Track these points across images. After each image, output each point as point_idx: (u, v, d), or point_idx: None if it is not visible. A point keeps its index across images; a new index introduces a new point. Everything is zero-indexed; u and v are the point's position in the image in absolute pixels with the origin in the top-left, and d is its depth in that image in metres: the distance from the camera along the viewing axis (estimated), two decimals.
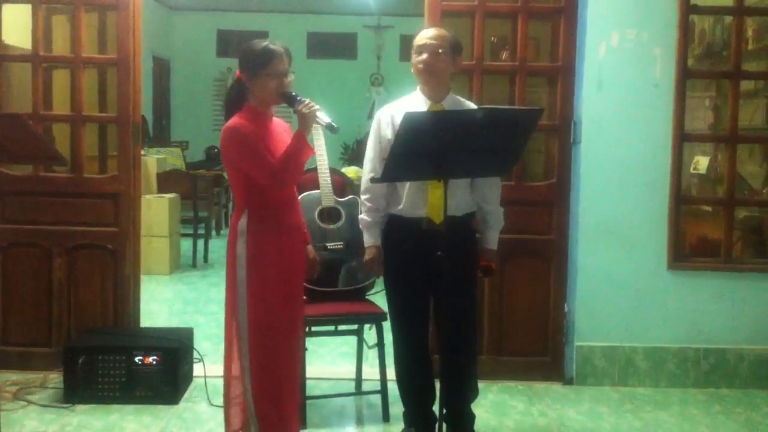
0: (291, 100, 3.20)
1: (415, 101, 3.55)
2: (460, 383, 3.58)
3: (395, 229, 3.59)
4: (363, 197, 3.63)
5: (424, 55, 3.46)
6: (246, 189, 3.21)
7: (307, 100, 3.18)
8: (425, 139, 3.03)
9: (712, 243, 4.80)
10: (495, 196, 3.60)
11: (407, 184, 3.50)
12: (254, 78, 3.19)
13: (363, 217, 3.64)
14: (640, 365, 4.58)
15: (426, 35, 3.49)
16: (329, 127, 3.21)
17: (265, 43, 3.21)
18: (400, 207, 3.53)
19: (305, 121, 3.16)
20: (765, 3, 4.88)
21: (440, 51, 3.45)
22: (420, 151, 3.06)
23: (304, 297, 3.64)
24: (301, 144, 3.15)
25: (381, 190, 3.57)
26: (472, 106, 3.61)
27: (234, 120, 3.18)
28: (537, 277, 4.65)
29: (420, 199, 3.48)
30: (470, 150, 3.12)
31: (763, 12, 4.82)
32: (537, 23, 4.73)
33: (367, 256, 3.64)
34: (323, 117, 3.20)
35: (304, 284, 3.55)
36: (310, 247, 3.54)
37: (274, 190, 3.17)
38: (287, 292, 3.27)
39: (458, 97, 3.62)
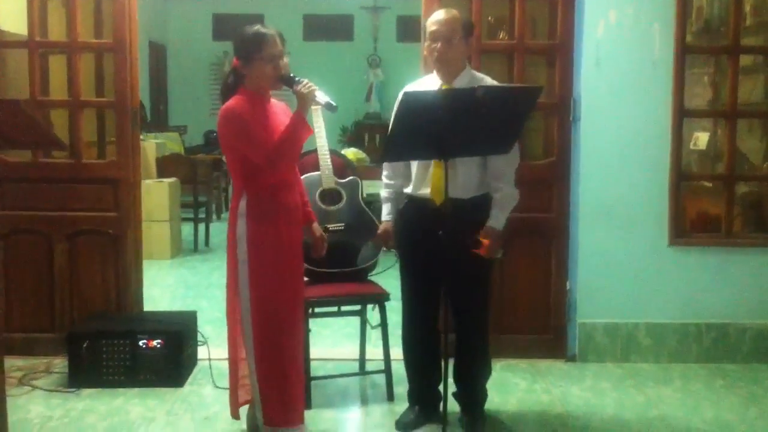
0: (289, 82, 3.21)
1: (429, 82, 3.57)
2: (471, 362, 3.64)
3: (407, 207, 3.65)
4: (384, 174, 3.73)
5: (438, 44, 3.43)
6: (243, 171, 3.21)
7: (305, 81, 3.19)
8: (424, 118, 3.03)
9: (712, 219, 4.80)
10: (505, 174, 3.52)
11: (416, 163, 3.52)
12: (249, 63, 3.20)
13: (381, 191, 3.76)
14: (641, 341, 4.60)
15: (438, 21, 3.45)
16: (328, 106, 3.23)
17: (256, 27, 3.22)
18: (410, 186, 3.59)
19: (304, 101, 3.17)
20: None
21: (454, 39, 3.43)
22: (419, 131, 3.06)
23: (306, 278, 3.67)
24: (299, 124, 3.16)
25: (397, 167, 3.64)
26: (490, 81, 3.58)
27: (230, 102, 3.19)
28: (538, 255, 4.67)
29: (424, 179, 3.51)
30: (470, 129, 3.12)
31: None
32: (533, 2, 4.71)
33: (379, 229, 3.75)
34: (322, 96, 3.21)
35: (307, 265, 3.56)
36: (316, 225, 3.58)
37: (272, 171, 3.17)
38: (287, 272, 3.29)
39: (475, 72, 3.60)
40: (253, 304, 3.22)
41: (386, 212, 3.73)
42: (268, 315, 3.24)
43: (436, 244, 3.28)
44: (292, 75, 3.23)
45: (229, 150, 3.25)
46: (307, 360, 3.81)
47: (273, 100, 3.35)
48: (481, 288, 3.64)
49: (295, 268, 3.38)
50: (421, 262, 3.58)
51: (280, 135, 3.16)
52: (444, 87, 3.46)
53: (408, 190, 3.62)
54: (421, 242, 3.52)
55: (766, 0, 4.94)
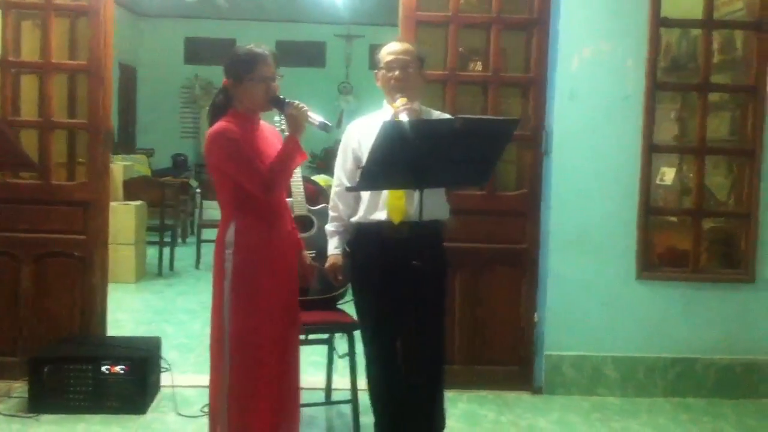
0: (280, 104, 3.12)
1: (383, 114, 3.51)
2: (426, 412, 3.53)
3: (358, 236, 3.56)
4: (329, 206, 3.65)
5: (396, 72, 3.44)
6: (234, 197, 3.11)
7: (297, 102, 3.10)
8: (403, 148, 3.02)
9: (679, 253, 4.84)
10: None
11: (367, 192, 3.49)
12: (240, 84, 3.11)
13: (327, 226, 3.65)
14: (609, 374, 4.61)
15: (394, 51, 3.47)
16: (322, 126, 3.13)
17: (250, 46, 3.15)
18: (361, 212, 3.51)
19: (297, 124, 3.08)
20: (731, 14, 4.94)
21: (409, 68, 3.45)
22: (397, 160, 3.04)
23: None
24: (294, 148, 3.07)
25: (346, 199, 3.56)
26: (438, 114, 3.60)
27: (220, 124, 3.08)
28: (509, 286, 4.68)
29: (377, 202, 3.45)
30: (446, 159, 3.12)
31: (730, 25, 4.89)
32: (508, 34, 4.76)
33: (327, 264, 3.60)
34: (315, 117, 3.12)
35: None
36: (305, 253, 3.46)
37: (264, 197, 3.07)
38: (279, 304, 3.17)
39: (425, 107, 3.61)
40: (233, 339, 3.09)
41: (334, 246, 3.61)
42: (247, 352, 3.11)
43: (395, 270, 3.27)
44: (282, 97, 3.14)
45: (218, 174, 3.12)
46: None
47: (263, 123, 3.25)
48: (440, 326, 3.56)
49: (288, 297, 3.24)
50: (378, 292, 3.49)
51: (275, 159, 3.06)
52: (395, 107, 3.38)
53: (357, 217, 3.52)
54: (375, 270, 3.46)
55: (733, 39, 5.03)
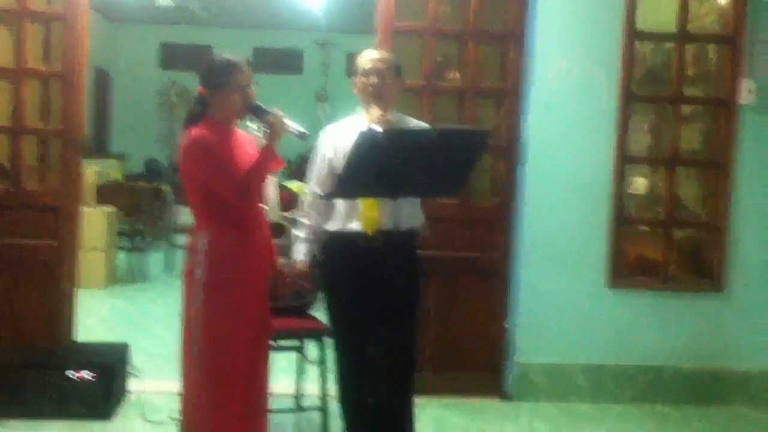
0: (257, 112, 3.12)
1: (358, 121, 3.49)
2: (395, 420, 3.52)
3: (333, 245, 3.54)
4: (301, 213, 3.61)
5: (374, 79, 3.43)
6: (207, 204, 3.08)
7: (275, 110, 3.10)
8: (378, 157, 3.01)
9: (650, 263, 4.87)
10: None
11: (341, 201, 3.48)
12: (217, 93, 3.09)
13: (296, 232, 3.61)
14: (579, 382, 4.62)
15: (372, 59, 3.47)
16: (301, 136, 3.13)
17: (225, 55, 3.13)
18: (335, 222, 3.49)
19: (274, 132, 3.07)
20: (704, 27, 4.99)
21: (387, 76, 3.45)
22: (373, 169, 3.03)
23: None
24: (270, 156, 3.06)
25: (318, 207, 3.53)
26: (415, 122, 3.61)
27: (195, 131, 3.05)
28: (481, 294, 4.68)
29: (352, 212, 3.43)
30: (422, 169, 3.11)
31: (703, 39, 4.94)
32: (485, 44, 4.78)
33: (294, 270, 3.55)
34: (293, 126, 3.12)
35: None
36: (281, 261, 3.43)
37: (237, 203, 3.05)
38: (251, 311, 3.15)
39: (400, 114, 3.61)
40: (204, 348, 3.07)
41: (303, 253, 3.57)
42: (216, 362, 3.08)
43: (368, 279, 3.29)
44: (259, 105, 3.13)
45: (192, 181, 3.09)
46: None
47: (238, 130, 3.23)
48: (414, 329, 3.55)
49: (260, 305, 3.22)
50: (352, 299, 3.48)
51: (250, 167, 3.04)
52: (370, 119, 3.39)
53: (332, 227, 3.51)
54: (350, 278, 3.45)
55: (706, 51, 5.07)
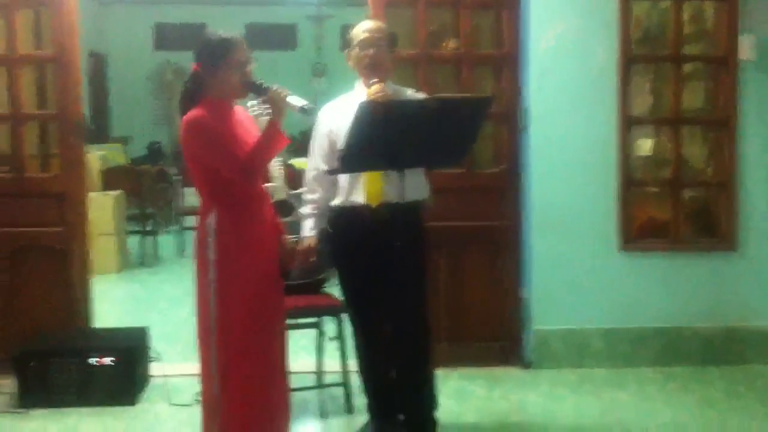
0: (257, 89, 3.07)
1: (357, 96, 3.49)
2: (417, 392, 3.56)
3: (340, 220, 3.56)
4: (305, 189, 3.61)
5: (371, 50, 3.43)
6: (212, 185, 3.07)
7: (275, 86, 3.04)
8: (380, 129, 3.02)
9: (660, 224, 4.88)
10: None
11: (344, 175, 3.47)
12: (214, 70, 3.04)
13: (302, 209, 3.63)
14: (596, 347, 4.65)
15: (368, 29, 3.46)
16: (303, 110, 3.05)
17: (222, 32, 3.08)
18: (340, 196, 3.50)
19: (278, 108, 3.01)
20: None
21: (383, 46, 3.45)
22: (374, 142, 3.04)
23: None
24: (274, 134, 3.02)
25: (322, 182, 3.54)
26: (411, 92, 3.61)
27: (194, 112, 3.02)
28: (490, 263, 4.70)
29: (355, 186, 3.44)
30: (424, 139, 3.12)
31: None
32: (480, 11, 4.76)
33: (301, 245, 3.50)
34: (296, 100, 3.04)
35: None
36: (285, 238, 3.38)
37: (243, 183, 3.04)
38: (262, 291, 3.15)
39: (396, 85, 3.60)
40: (219, 326, 3.07)
41: (309, 227, 3.56)
42: (233, 338, 3.08)
43: (377, 252, 3.31)
44: (259, 82, 3.07)
45: (195, 163, 3.07)
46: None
47: (237, 108, 3.19)
48: (422, 302, 3.58)
49: (271, 283, 3.21)
50: (363, 274, 3.52)
51: (254, 145, 3.02)
52: (370, 94, 3.36)
53: (337, 201, 3.52)
54: (358, 253, 3.48)
55: (704, 9, 5.04)
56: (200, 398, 3.31)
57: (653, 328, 4.67)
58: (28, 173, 4.58)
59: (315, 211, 3.57)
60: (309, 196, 3.59)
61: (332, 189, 3.54)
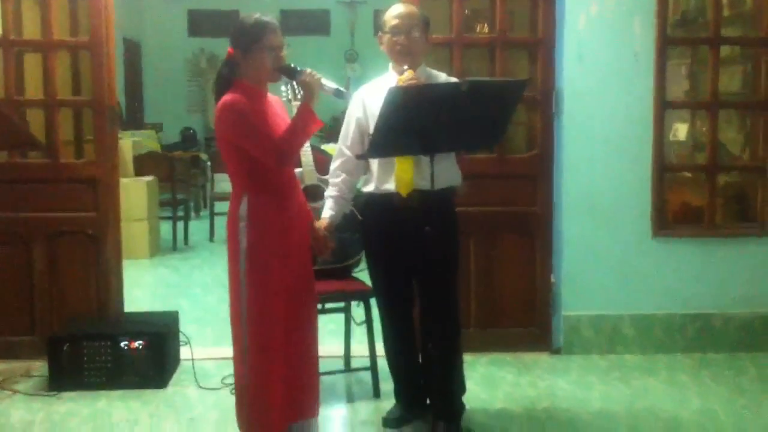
0: (291, 73, 3.08)
1: (388, 80, 3.48)
2: (445, 378, 3.53)
3: (371, 206, 3.56)
4: (330, 173, 3.60)
5: (401, 37, 3.41)
6: (245, 171, 3.07)
7: (309, 70, 3.06)
8: (410, 113, 3.00)
9: (694, 210, 4.82)
10: None
11: (377, 160, 3.45)
12: (248, 54, 3.06)
13: (326, 191, 3.60)
14: (626, 333, 4.60)
15: (399, 15, 3.43)
16: (337, 93, 3.09)
17: (257, 15, 3.09)
18: (371, 183, 3.50)
19: (310, 91, 3.04)
20: None
21: (414, 32, 3.41)
22: (405, 126, 3.02)
23: None
24: (308, 116, 3.03)
25: (348, 166, 3.53)
26: (445, 77, 3.58)
27: (228, 96, 3.03)
28: (522, 248, 4.66)
29: (387, 173, 3.43)
30: (455, 123, 3.09)
31: None
32: None
33: (317, 224, 3.41)
34: (329, 84, 3.08)
35: None
36: (316, 224, 3.39)
37: (276, 168, 3.04)
38: (294, 276, 3.16)
39: (430, 69, 3.58)
40: (250, 313, 3.08)
41: (329, 207, 3.51)
42: (263, 325, 3.09)
43: (406, 240, 3.30)
44: (293, 65, 3.09)
45: (229, 148, 3.08)
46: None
47: (269, 95, 3.21)
48: (453, 291, 3.56)
49: (302, 270, 3.23)
50: (391, 261, 3.52)
51: (288, 129, 3.03)
52: (401, 81, 3.35)
53: (369, 187, 3.51)
54: (388, 240, 3.47)
55: None
56: (230, 382, 3.33)
57: (686, 315, 4.61)
58: (62, 159, 4.62)
59: (335, 194, 3.54)
60: (333, 179, 3.59)
61: (356, 173, 3.54)
